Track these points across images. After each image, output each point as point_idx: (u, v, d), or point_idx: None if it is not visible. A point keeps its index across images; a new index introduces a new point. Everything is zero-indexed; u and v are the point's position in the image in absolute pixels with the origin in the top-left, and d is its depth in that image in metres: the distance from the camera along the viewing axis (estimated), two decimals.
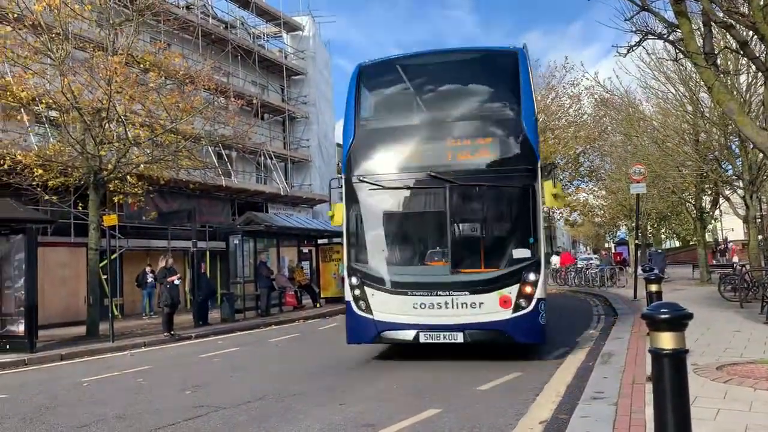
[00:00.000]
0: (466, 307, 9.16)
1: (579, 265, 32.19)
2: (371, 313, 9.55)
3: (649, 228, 42.02)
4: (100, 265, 17.21)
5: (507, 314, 9.06)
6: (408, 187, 9.86)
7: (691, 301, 15.78)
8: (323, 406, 7.15)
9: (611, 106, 29.73)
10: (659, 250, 37.38)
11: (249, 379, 9.35)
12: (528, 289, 9.08)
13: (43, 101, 15.72)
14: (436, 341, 9.25)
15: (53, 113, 17.64)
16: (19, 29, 15.26)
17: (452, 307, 9.19)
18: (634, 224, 27.74)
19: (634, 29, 11.08)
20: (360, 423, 6.35)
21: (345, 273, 9.97)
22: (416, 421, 6.29)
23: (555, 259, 34.10)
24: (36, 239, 13.79)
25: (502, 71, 10.33)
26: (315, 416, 6.70)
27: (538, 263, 9.20)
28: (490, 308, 9.11)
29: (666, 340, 3.16)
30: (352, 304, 9.74)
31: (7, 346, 13.00)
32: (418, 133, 10.16)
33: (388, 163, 9.99)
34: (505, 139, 9.70)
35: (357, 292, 9.70)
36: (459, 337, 9.18)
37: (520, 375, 8.44)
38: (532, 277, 9.10)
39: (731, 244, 41.66)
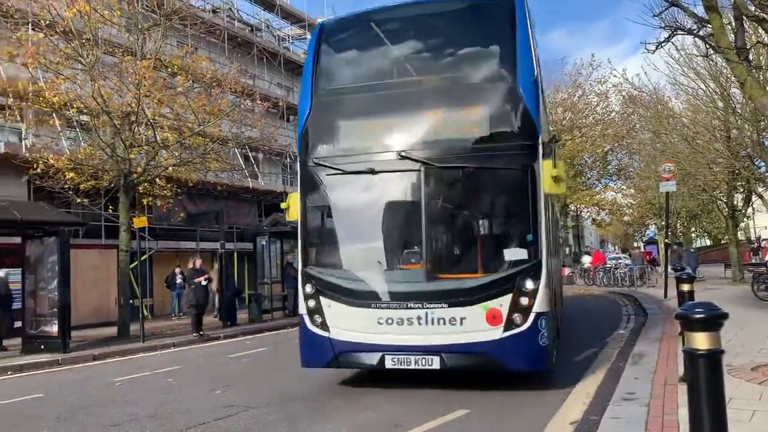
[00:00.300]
0: (444, 323, 7.27)
1: (608, 265, 31.85)
2: (327, 330, 7.76)
3: (679, 227, 41.39)
4: (131, 266, 17.47)
5: (496, 333, 7.15)
6: (373, 171, 7.80)
7: (725, 300, 15.49)
8: (351, 406, 7.17)
9: (639, 104, 29.35)
10: (692, 249, 36.80)
11: (278, 379, 9.41)
12: (524, 301, 7.13)
13: (74, 106, 16.02)
14: (405, 367, 7.44)
15: (84, 117, 17.97)
16: (51, 36, 15.58)
17: (426, 323, 7.32)
18: (663, 223, 27.33)
19: (663, 25, 10.93)
20: (387, 423, 6.35)
21: (299, 280, 8.15)
22: (444, 422, 6.28)
23: (586, 259, 34.05)
24: (68, 241, 14.05)
25: (494, 24, 8.35)
26: (343, 416, 6.72)
27: (538, 267, 7.24)
28: (473, 325, 7.21)
29: (701, 341, 3.10)
30: (306, 318, 7.94)
31: (42, 347, 13.27)
32: (388, 102, 8.23)
33: (349, 142, 8.18)
34: (497, 107, 7.70)
35: (311, 303, 7.89)
36: (434, 362, 7.33)
37: (549, 375, 8.35)
38: (529, 284, 7.14)
39: (765, 242, 40.82)
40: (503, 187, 7.89)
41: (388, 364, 7.50)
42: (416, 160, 7.59)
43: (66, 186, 16.18)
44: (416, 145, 7.72)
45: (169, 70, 18.28)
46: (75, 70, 16.28)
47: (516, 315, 7.14)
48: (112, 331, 16.53)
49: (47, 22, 15.61)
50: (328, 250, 8.31)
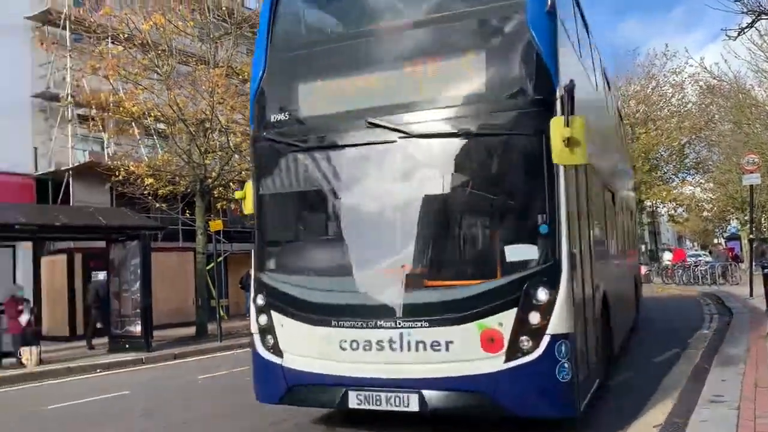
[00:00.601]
0: (424, 348, 5.44)
1: (688, 262, 30.70)
2: (280, 356, 6.10)
3: (764, 221, 39.36)
4: (207, 268, 18.05)
5: (494, 363, 5.27)
6: (336, 146, 6.06)
7: None
8: None
9: (719, 93, 28.15)
10: None
11: None
12: (533, 318, 5.21)
13: (152, 114, 16.67)
14: (374, 407, 5.66)
15: (161, 126, 18.68)
16: (130, 48, 16.29)
17: (400, 348, 5.51)
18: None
19: (745, 10, 10.44)
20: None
21: (252, 289, 6.57)
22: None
23: (667, 256, 33.48)
24: (149, 245, 14.64)
25: None
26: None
27: (556, 270, 5.27)
28: (464, 352, 5.36)
29: None
30: (256, 339, 6.34)
31: (127, 346, 13.87)
32: (358, 55, 6.36)
33: (311, 109, 6.38)
34: (497, 53, 5.79)
35: (263, 319, 6.24)
36: (411, 402, 5.50)
37: (629, 376, 8.11)
38: (541, 295, 5.21)
39: None
40: (507, 160, 5.85)
41: (352, 402, 5.75)
42: (388, 128, 5.78)
43: (145, 192, 16.88)
44: (389, 109, 5.92)
45: (241, 77, 18.77)
46: (152, 81, 16.96)
47: (523, 338, 5.22)
48: (191, 331, 17.10)
49: (126, 35, 16.32)
50: (283, 250, 6.66)
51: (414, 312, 5.50)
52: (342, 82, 6.39)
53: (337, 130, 6.10)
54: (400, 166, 5.85)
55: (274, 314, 6.13)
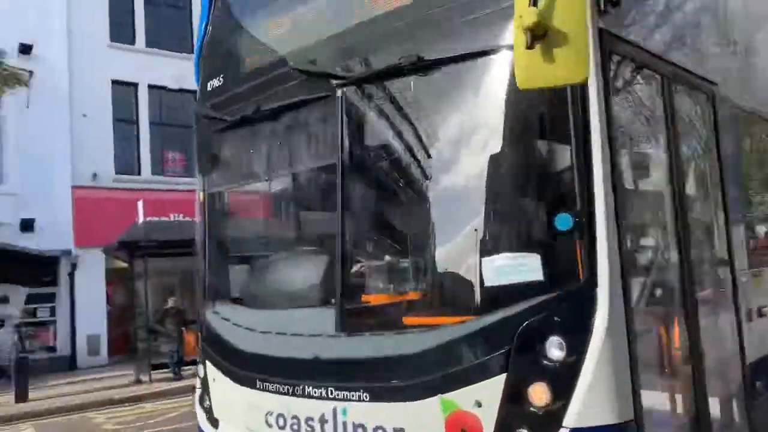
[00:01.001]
0: None
1: None
2: (215, 425, 4.28)
3: None
4: None
5: None
6: (257, 116, 4.11)
7: None
8: None
9: None
10: None
11: None
12: (539, 395, 2.73)
13: None
14: None
15: None
16: None
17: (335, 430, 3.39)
18: None
19: None
20: None
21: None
22: None
23: None
24: None
25: None
26: None
27: (588, 297, 2.74)
28: None
29: None
30: (196, 396, 4.61)
31: None
32: None
33: (244, 66, 4.40)
34: None
35: (201, 371, 4.49)
36: None
37: None
38: (554, 349, 2.73)
39: None
40: (496, 101, 3.12)
41: None
42: (320, 75, 3.67)
43: None
44: (332, 47, 3.75)
45: None
46: None
47: (521, 429, 2.80)
48: None
49: None
50: (224, 271, 4.91)
51: (349, 373, 3.42)
52: (277, 20, 4.23)
53: (265, 90, 4.07)
54: (342, 131, 3.62)
55: (208, 365, 4.34)
